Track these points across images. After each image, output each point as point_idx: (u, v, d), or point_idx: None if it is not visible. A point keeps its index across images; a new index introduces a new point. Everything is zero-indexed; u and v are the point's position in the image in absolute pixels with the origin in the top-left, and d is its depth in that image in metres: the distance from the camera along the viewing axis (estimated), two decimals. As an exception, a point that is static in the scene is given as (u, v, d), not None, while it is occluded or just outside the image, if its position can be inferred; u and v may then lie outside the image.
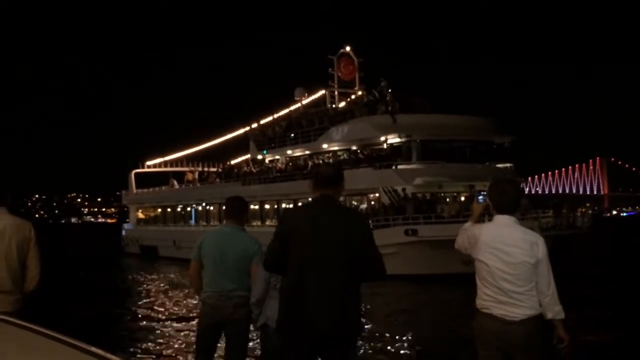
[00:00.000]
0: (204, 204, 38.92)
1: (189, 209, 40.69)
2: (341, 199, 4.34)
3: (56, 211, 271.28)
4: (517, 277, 3.98)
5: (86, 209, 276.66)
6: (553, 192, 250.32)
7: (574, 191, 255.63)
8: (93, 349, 2.01)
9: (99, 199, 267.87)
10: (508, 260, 4.00)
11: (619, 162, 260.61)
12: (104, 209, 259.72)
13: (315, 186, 4.05)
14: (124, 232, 45.77)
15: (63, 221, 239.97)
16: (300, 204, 30.07)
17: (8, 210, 5.39)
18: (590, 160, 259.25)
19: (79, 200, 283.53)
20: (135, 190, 45.47)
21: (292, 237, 3.88)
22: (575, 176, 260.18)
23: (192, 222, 40.22)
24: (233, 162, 42.85)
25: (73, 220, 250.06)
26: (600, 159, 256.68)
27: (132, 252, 42.20)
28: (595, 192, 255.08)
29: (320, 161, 32.19)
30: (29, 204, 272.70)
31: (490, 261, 4.04)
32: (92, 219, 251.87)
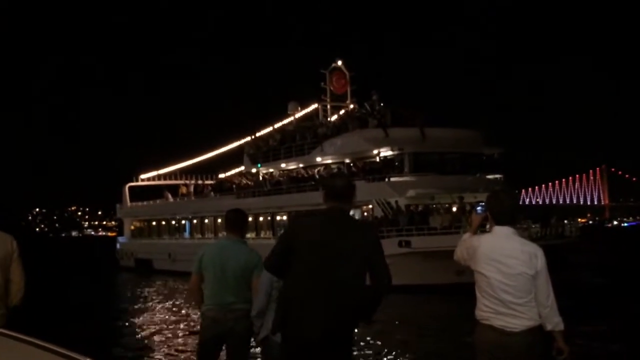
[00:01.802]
0: (199, 217, 39.13)
1: (183, 222, 40.81)
2: None
3: (57, 225, 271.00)
4: (516, 289, 3.96)
5: (87, 222, 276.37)
6: (554, 202, 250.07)
7: (575, 201, 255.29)
8: (88, 359, 2.04)
9: (100, 212, 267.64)
10: (507, 271, 3.97)
11: (619, 172, 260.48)
12: (104, 222, 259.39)
13: (327, 198, 4.03)
14: (118, 246, 45.78)
15: (64, 235, 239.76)
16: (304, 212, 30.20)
17: None
18: (591, 171, 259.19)
19: (79, 213, 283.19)
20: (129, 204, 45.57)
21: (297, 244, 3.89)
22: (576, 187, 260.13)
23: (187, 234, 40.39)
24: (225, 174, 43.16)
25: (74, 233, 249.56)
26: (601, 169, 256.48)
27: (127, 266, 42.22)
28: (595, 203, 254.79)
29: (316, 173, 32.56)
30: (30, 217, 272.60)
31: (489, 272, 4.01)
32: (93, 232, 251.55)
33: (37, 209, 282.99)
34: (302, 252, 3.86)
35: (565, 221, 28.10)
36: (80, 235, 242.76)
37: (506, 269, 3.98)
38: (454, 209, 27.92)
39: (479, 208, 4.40)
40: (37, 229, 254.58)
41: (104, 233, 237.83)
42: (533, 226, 25.54)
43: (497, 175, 29.77)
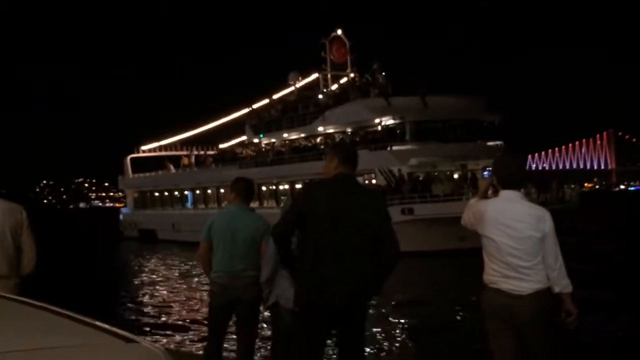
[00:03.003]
0: (201, 188, 39.39)
1: (186, 192, 41.11)
2: None
3: (64, 197, 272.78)
4: (524, 252, 3.96)
5: (94, 194, 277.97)
6: (560, 167, 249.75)
7: (581, 166, 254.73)
8: (98, 323, 2.10)
9: (106, 184, 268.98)
10: (515, 235, 3.97)
11: (626, 137, 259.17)
12: (111, 193, 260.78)
13: (338, 162, 4.02)
14: (121, 217, 46.22)
15: (71, 206, 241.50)
16: (302, 183, 30.68)
17: None
18: (598, 135, 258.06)
19: (86, 185, 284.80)
20: (131, 175, 45.86)
21: (311, 213, 3.87)
22: (583, 151, 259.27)
23: (190, 205, 40.71)
24: (226, 144, 43.32)
25: (81, 205, 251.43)
26: (608, 133, 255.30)
27: (131, 236, 42.68)
28: (602, 167, 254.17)
29: (318, 143, 32.68)
30: (37, 190, 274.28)
31: (497, 237, 4.00)
32: (100, 204, 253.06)
33: (45, 181, 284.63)
34: (317, 221, 3.86)
35: (565, 186, 28.23)
36: (88, 206, 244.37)
37: (514, 232, 3.97)
38: (456, 176, 28.08)
39: (485, 172, 4.41)
40: (45, 201, 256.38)
41: (111, 204, 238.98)
42: (534, 191, 25.63)
43: (499, 142, 29.87)
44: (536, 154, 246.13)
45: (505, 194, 4.12)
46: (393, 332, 12.04)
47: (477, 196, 4.44)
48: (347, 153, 4.14)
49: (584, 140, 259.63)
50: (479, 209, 4.17)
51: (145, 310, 14.81)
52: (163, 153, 45.47)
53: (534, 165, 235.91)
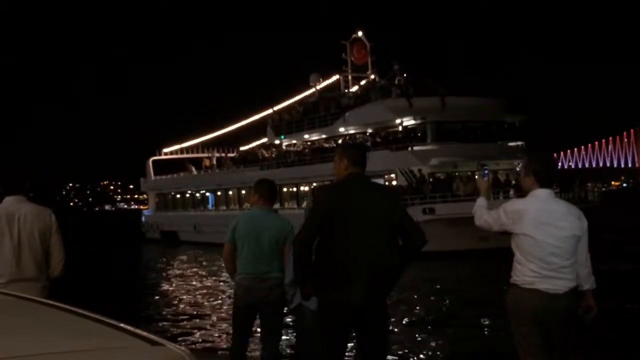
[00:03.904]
0: (223, 189, 39.61)
1: (207, 194, 41.36)
2: None
3: (90, 199, 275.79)
4: (565, 251, 3.99)
5: (119, 196, 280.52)
6: (587, 166, 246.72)
7: (608, 164, 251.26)
8: (123, 325, 2.13)
9: (131, 186, 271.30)
10: (558, 234, 3.99)
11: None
12: (136, 196, 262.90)
13: (348, 163, 4.08)
14: (143, 219, 46.64)
15: (97, 208, 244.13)
16: (315, 185, 30.80)
17: (26, 198, 5.37)
18: (625, 133, 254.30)
19: (111, 187, 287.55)
20: (153, 178, 46.23)
21: (333, 213, 3.90)
22: (609, 149, 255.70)
23: (211, 207, 40.96)
24: (247, 147, 43.56)
25: (107, 207, 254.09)
26: (635, 131, 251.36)
27: (153, 238, 43.07)
28: (630, 165, 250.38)
29: (339, 143, 32.71)
30: (63, 192, 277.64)
31: (539, 236, 3.98)
32: (125, 206, 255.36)
33: (71, 184, 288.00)
34: (339, 221, 3.89)
35: (589, 184, 28.04)
36: (114, 208, 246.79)
37: (558, 231, 3.99)
38: (477, 176, 28.03)
39: (486, 172, 4.47)
40: (71, 204, 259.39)
41: (136, 206, 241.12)
42: (556, 191, 25.53)
43: (519, 143, 29.83)
44: (561, 153, 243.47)
45: (542, 192, 4.12)
46: (407, 329, 12.10)
47: (482, 197, 4.43)
48: (356, 153, 4.19)
49: (610, 138, 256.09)
50: (516, 208, 4.15)
51: (170, 312, 14.99)
52: (184, 155, 45.84)
53: (559, 164, 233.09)
